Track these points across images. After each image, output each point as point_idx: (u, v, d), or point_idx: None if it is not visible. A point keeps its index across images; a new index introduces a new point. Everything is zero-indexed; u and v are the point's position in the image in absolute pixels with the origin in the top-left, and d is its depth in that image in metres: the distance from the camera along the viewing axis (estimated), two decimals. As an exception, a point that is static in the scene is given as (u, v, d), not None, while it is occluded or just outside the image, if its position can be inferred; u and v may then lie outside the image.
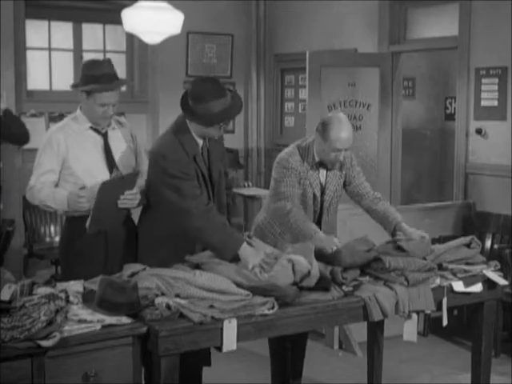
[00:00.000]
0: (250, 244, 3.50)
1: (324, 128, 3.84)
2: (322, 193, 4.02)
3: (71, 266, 3.66)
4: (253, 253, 3.43)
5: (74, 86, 3.75)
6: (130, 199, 3.65)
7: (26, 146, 5.75)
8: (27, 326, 2.62)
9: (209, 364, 3.74)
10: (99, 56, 7.00)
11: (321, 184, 4.01)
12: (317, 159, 3.96)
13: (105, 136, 3.74)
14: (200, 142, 3.63)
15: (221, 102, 3.49)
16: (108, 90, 3.60)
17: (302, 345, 4.38)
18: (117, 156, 3.76)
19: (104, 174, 3.66)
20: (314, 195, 3.99)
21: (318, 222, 4.04)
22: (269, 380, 4.38)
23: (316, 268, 3.29)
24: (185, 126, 3.59)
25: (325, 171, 4.01)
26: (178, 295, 3.03)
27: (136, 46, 7.47)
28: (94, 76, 3.60)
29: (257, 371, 4.73)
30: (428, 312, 3.56)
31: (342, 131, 3.82)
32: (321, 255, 3.49)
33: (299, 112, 7.77)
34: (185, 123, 3.60)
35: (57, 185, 3.68)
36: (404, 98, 7.15)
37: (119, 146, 3.79)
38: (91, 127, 3.71)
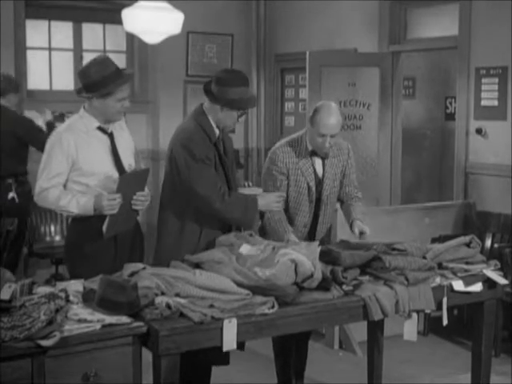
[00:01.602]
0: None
1: (313, 114, 3.97)
2: (320, 183, 4.06)
3: (79, 269, 3.59)
4: (268, 199, 3.79)
5: (84, 93, 3.63)
6: (142, 200, 3.66)
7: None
8: (27, 325, 2.62)
9: (227, 363, 3.79)
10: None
11: (316, 174, 4.06)
12: (309, 148, 4.02)
13: (111, 136, 3.73)
14: (216, 130, 3.76)
15: (241, 90, 3.67)
16: (124, 84, 3.63)
17: (305, 345, 4.38)
18: (122, 156, 3.75)
19: (113, 175, 3.64)
20: (308, 185, 4.03)
21: (315, 214, 4.10)
22: (271, 380, 4.38)
23: (319, 271, 3.28)
24: (203, 114, 3.75)
25: (321, 161, 4.07)
26: (177, 294, 3.03)
27: (136, 45, 7.46)
28: (104, 77, 3.57)
29: (260, 372, 4.73)
30: (428, 311, 3.56)
31: (330, 117, 3.92)
32: (321, 255, 3.49)
33: (299, 112, 7.76)
34: (203, 111, 3.75)
35: (64, 186, 3.63)
36: (404, 97, 7.14)
37: (123, 147, 3.79)
38: (98, 127, 3.69)
